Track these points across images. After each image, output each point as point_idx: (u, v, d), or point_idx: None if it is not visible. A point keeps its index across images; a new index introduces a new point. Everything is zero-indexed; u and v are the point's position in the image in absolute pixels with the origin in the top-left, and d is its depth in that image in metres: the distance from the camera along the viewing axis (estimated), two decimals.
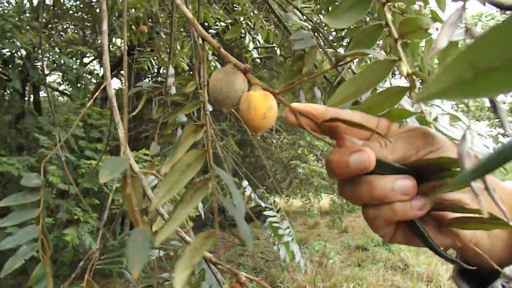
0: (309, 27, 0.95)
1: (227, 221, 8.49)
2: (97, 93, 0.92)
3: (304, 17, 1.09)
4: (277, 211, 1.63)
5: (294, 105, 0.41)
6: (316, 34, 1.04)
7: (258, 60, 2.17)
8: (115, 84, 8.81)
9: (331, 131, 0.42)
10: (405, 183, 0.38)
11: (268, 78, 5.19)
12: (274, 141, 5.71)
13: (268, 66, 4.93)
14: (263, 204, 1.66)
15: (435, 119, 0.58)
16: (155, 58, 2.21)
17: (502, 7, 0.35)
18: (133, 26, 1.90)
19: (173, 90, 1.34)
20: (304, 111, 0.41)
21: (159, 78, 5.51)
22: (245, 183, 1.74)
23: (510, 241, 0.40)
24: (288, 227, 1.62)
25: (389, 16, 0.50)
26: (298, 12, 1.10)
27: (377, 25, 0.52)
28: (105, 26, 0.79)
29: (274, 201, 1.68)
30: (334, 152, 0.39)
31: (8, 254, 0.74)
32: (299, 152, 5.90)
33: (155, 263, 1.63)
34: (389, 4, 0.50)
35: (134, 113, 1.45)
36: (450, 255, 0.42)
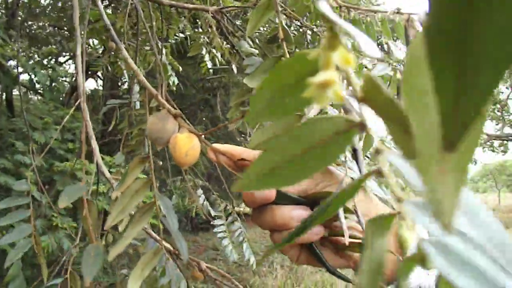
0: (256, 52, 1.02)
1: (200, 223, 8.49)
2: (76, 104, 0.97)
3: (255, 44, 1.20)
4: (229, 215, 1.71)
5: (215, 145, 0.47)
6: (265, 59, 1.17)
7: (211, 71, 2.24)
8: (90, 84, 8.72)
9: (244, 169, 0.48)
10: (300, 212, 0.45)
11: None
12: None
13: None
14: (213, 212, 1.74)
15: None
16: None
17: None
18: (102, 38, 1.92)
19: (137, 105, 1.43)
20: (223, 151, 0.47)
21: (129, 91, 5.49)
22: (199, 191, 1.82)
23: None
24: (239, 228, 1.69)
25: None
26: (249, 40, 1.22)
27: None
28: (79, 51, 0.85)
29: (227, 205, 1.76)
30: None
31: None
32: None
33: (116, 261, 1.66)
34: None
35: (109, 129, 1.51)
36: (343, 275, 0.49)
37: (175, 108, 0.54)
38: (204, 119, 5.59)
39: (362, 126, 0.23)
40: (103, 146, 5.09)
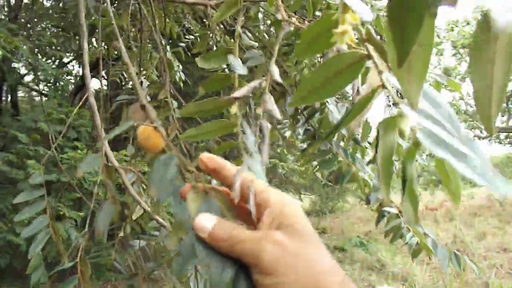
0: (256, 45, 1.05)
1: None
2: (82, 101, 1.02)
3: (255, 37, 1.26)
4: None
5: (203, 156, 0.47)
6: (264, 51, 1.21)
7: None
8: (94, 84, 8.73)
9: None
10: None
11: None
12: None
13: None
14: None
15: None
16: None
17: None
18: (104, 43, 1.94)
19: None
20: (210, 166, 0.47)
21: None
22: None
23: None
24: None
25: None
26: (249, 33, 1.31)
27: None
28: (85, 45, 0.92)
29: None
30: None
31: None
32: (278, 151, 5.96)
33: (139, 254, 1.71)
34: None
35: (116, 133, 1.54)
36: None
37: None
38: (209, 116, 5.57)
39: (369, 56, 0.39)
40: (109, 144, 5.10)
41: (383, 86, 0.37)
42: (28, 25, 5.52)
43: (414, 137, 0.32)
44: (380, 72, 0.38)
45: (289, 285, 0.36)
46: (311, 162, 1.46)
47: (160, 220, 0.91)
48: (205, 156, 0.47)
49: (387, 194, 0.40)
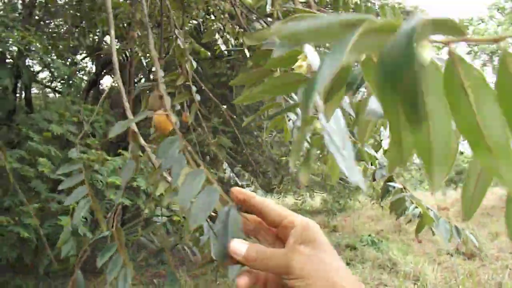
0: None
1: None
2: (105, 96, 1.10)
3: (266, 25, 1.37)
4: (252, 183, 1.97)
5: (235, 190, 0.57)
6: None
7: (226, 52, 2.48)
8: (107, 81, 8.79)
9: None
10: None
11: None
12: (266, 139, 5.76)
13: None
14: (239, 182, 1.95)
15: None
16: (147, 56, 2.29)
17: None
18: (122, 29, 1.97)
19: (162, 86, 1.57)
20: (240, 197, 0.56)
21: (151, 75, 5.55)
22: (225, 165, 1.99)
23: None
24: (262, 196, 1.90)
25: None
26: (262, 22, 1.44)
27: None
28: (112, 32, 1.03)
29: (251, 178, 2.04)
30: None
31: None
32: (290, 149, 5.95)
33: (162, 228, 1.80)
34: None
35: (139, 118, 1.62)
36: None
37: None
38: (221, 112, 5.58)
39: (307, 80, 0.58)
40: (122, 142, 5.13)
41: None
42: (42, 23, 5.57)
43: (321, 134, 0.58)
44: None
45: (314, 285, 0.47)
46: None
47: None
48: (235, 189, 0.56)
49: (293, 162, 0.65)
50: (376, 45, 0.24)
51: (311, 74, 0.59)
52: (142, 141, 0.96)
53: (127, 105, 1.02)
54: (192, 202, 0.61)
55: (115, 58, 1.06)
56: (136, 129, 0.96)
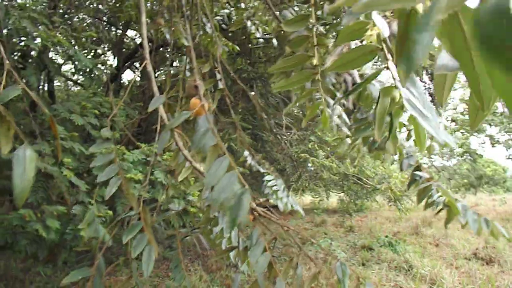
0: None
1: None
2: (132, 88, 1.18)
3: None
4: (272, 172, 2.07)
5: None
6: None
7: (261, 40, 2.59)
8: (128, 75, 8.86)
9: None
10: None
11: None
12: (284, 136, 5.76)
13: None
14: (261, 169, 2.02)
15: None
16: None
17: None
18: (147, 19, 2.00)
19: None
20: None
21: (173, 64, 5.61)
22: (246, 153, 2.06)
23: None
24: (282, 185, 2.03)
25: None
26: (292, 10, 1.53)
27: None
28: (143, 18, 1.10)
29: (272, 166, 2.17)
30: None
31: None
32: (310, 146, 5.95)
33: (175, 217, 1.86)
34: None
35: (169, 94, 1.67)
36: None
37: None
38: (240, 110, 5.59)
39: (381, 49, 0.70)
40: (140, 135, 5.18)
41: (387, 68, 0.67)
42: (66, 16, 5.65)
43: (400, 102, 0.64)
44: (386, 59, 0.65)
45: None
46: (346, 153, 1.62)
47: (198, 167, 1.12)
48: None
49: (379, 135, 0.70)
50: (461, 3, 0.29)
51: (382, 42, 0.67)
52: (163, 114, 1.11)
53: (156, 89, 1.11)
54: (215, 185, 0.67)
55: (145, 42, 1.12)
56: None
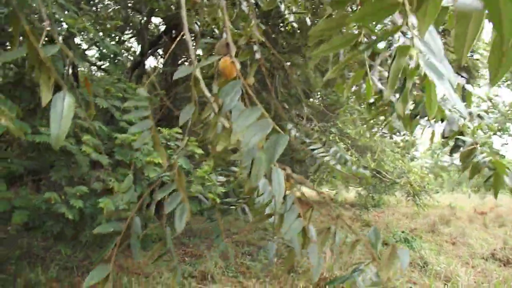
0: None
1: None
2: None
3: None
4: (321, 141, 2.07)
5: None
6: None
7: (295, 25, 2.63)
8: (151, 62, 8.94)
9: None
10: None
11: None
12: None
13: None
14: (307, 140, 2.03)
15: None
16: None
17: None
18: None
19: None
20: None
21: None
22: (289, 125, 2.08)
23: None
24: (335, 150, 2.04)
25: None
26: None
27: None
28: (183, 1, 1.20)
29: (319, 136, 2.16)
30: None
31: None
32: (330, 138, 5.94)
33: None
34: None
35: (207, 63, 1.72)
36: None
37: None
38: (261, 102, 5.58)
39: (402, 4, 0.64)
40: (162, 120, 5.24)
41: (406, 24, 0.64)
42: (91, 2, 5.72)
43: (417, 61, 0.62)
44: (406, 15, 0.63)
45: None
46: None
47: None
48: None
49: (390, 93, 0.72)
50: None
51: None
52: (204, 88, 1.06)
53: (193, 56, 1.12)
54: (245, 130, 0.66)
55: (183, 13, 1.18)
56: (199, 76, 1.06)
